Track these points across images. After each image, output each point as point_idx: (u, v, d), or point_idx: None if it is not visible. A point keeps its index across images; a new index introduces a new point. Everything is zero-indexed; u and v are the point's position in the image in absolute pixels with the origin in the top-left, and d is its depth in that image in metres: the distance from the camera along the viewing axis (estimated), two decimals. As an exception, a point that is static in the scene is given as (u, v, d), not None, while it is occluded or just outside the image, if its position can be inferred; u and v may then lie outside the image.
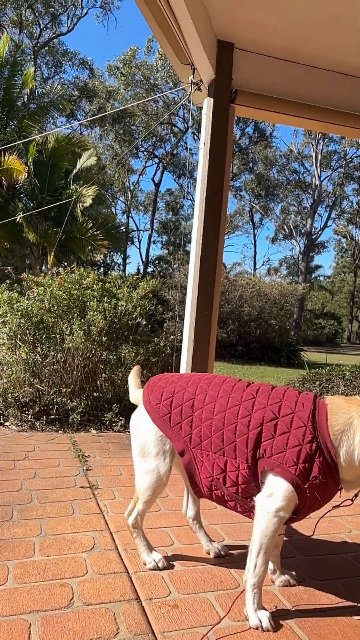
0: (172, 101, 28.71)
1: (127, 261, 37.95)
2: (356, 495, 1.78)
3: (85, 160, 15.83)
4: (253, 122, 32.75)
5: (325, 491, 1.71)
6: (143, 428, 2.00)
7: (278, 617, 1.73)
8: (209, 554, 2.15)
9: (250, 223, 42.04)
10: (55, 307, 4.59)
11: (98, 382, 4.53)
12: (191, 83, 3.63)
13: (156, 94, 27.91)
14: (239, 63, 3.64)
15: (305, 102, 3.80)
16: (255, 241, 44.37)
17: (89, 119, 27.43)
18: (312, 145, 34.36)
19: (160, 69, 28.60)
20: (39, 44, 30.94)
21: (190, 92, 3.65)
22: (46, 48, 32.01)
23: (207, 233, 3.53)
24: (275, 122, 4.57)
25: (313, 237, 36.05)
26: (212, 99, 3.56)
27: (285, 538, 2.14)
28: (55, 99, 17.68)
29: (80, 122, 26.85)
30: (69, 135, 17.29)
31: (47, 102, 17.79)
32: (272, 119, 4.09)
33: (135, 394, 2.19)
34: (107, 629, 1.63)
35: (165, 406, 1.96)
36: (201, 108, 3.89)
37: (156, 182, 35.88)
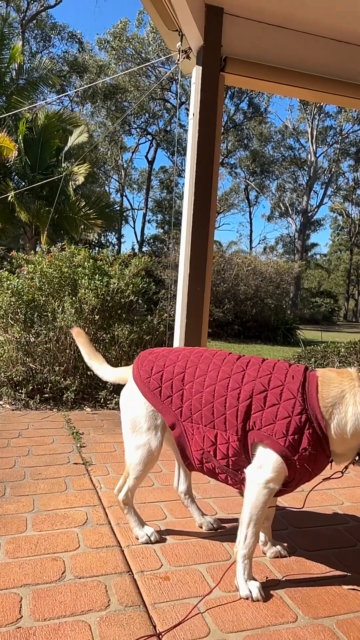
0: (163, 75, 28.11)
1: (122, 240, 37.64)
2: (346, 468, 1.77)
3: (77, 137, 15.52)
4: (247, 97, 32.19)
5: (315, 463, 1.70)
6: (134, 403, 1.98)
7: (268, 587, 1.74)
8: (201, 527, 2.16)
9: (246, 201, 41.72)
10: (46, 285, 4.54)
11: (91, 361, 4.50)
12: (179, 50, 3.51)
13: (148, 68, 27.30)
14: (229, 29, 3.52)
15: (298, 70, 3.69)
16: (251, 219, 44.27)
17: (78, 89, 26.76)
18: (308, 120, 33.85)
19: (151, 42, 27.91)
20: (26, 17, 30.07)
21: (179, 60, 3.54)
22: (34, 21, 31.14)
23: (198, 206, 3.46)
24: (266, 91, 4.47)
25: (309, 214, 35.81)
26: (200, 67, 3.45)
27: (276, 510, 2.15)
28: (44, 74, 17.26)
29: (67, 94, 26.18)
30: (59, 112, 16.93)
31: (36, 78, 17.37)
32: (264, 88, 3.97)
33: (117, 371, 2.15)
34: (99, 601, 1.63)
35: (156, 380, 1.93)
36: (191, 78, 3.78)
37: (150, 159, 35.42)
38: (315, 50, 3.79)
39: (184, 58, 3.64)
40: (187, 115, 3.62)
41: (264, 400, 1.71)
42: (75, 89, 30.05)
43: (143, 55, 28.75)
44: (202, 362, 1.92)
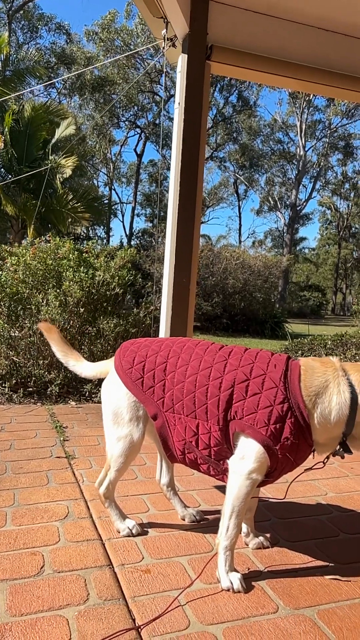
0: (152, 68, 27.89)
1: (111, 234, 37.41)
2: (327, 458, 1.76)
3: (64, 130, 15.33)
4: (236, 90, 32.07)
5: (297, 452, 1.68)
6: (116, 394, 1.94)
7: (250, 578, 1.72)
8: (184, 519, 2.14)
9: (235, 195, 41.68)
10: (30, 278, 4.47)
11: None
12: (164, 38, 3.45)
13: (136, 60, 27.05)
14: (215, 17, 3.47)
15: (285, 59, 3.66)
16: (240, 213, 44.23)
17: (62, 77, 26.29)
18: (297, 114, 33.84)
19: (140, 34, 27.65)
20: (13, 8, 29.59)
21: (164, 48, 3.48)
22: (21, 12, 30.66)
23: (183, 195, 3.42)
24: (253, 80, 4.41)
25: (298, 208, 35.87)
26: (186, 55, 3.40)
27: (259, 501, 2.13)
28: (31, 65, 17.03)
29: (52, 82, 25.58)
30: (46, 104, 16.71)
31: (23, 69, 17.13)
32: (250, 77, 3.93)
33: (97, 366, 2.10)
34: (77, 595, 1.60)
35: (138, 370, 1.90)
36: (177, 67, 3.72)
37: (138, 153, 35.17)
38: (302, 39, 3.76)
39: (169, 46, 3.58)
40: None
41: (246, 389, 1.69)
42: (63, 81, 29.71)
43: (132, 47, 28.45)
44: (184, 352, 1.89)
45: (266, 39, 3.66)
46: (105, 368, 2.06)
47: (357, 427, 1.64)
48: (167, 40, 3.54)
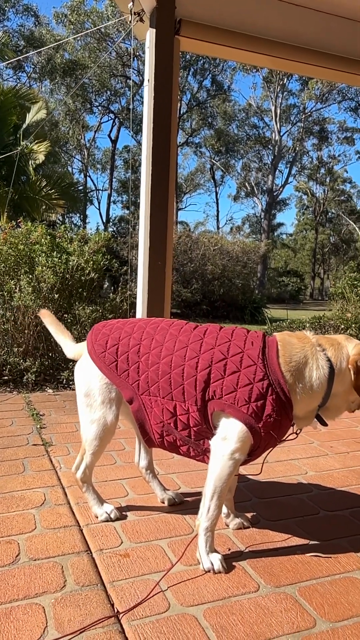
0: (125, 52, 27.40)
1: (87, 221, 36.90)
2: (300, 429, 1.76)
3: (35, 114, 14.93)
4: (210, 75, 31.73)
5: (280, 428, 1.66)
6: (88, 377, 1.89)
7: (231, 559, 1.70)
8: (163, 502, 2.10)
9: (212, 181, 41.49)
10: (2, 264, 4.34)
11: (52, 340, 4.36)
12: (131, 12, 3.33)
13: (107, 43, 26.49)
14: (184, -11, 3.37)
15: (254, 34, 3.58)
16: (217, 199, 44.15)
17: (31, 53, 25.35)
18: (271, 98, 33.68)
19: (111, 17, 27.02)
20: (-22, -12, 28.57)
21: (131, 22, 3.36)
22: (-13, -7, 29.62)
23: (156, 173, 3.34)
24: (224, 57, 4.32)
25: (274, 194, 35.89)
26: (154, 30, 3.29)
27: (240, 482, 2.11)
28: (-2, 47, 16.49)
29: (18, 59, 24.65)
30: (15, 88, 16.24)
31: (-10, 52, 16.61)
32: (220, 53, 3.84)
33: (76, 348, 2.05)
34: (54, 583, 1.56)
35: (111, 354, 1.84)
36: (145, 43, 3.61)
37: (113, 138, 34.63)
38: (271, 15, 3.68)
39: (137, 21, 3.46)
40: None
41: (224, 368, 1.65)
42: (32, 64, 28.95)
43: (102, 29, 27.79)
44: (158, 334, 1.83)
45: (238, 14, 3.57)
46: (81, 350, 2.00)
47: (332, 398, 1.68)
48: (135, 14, 3.43)
